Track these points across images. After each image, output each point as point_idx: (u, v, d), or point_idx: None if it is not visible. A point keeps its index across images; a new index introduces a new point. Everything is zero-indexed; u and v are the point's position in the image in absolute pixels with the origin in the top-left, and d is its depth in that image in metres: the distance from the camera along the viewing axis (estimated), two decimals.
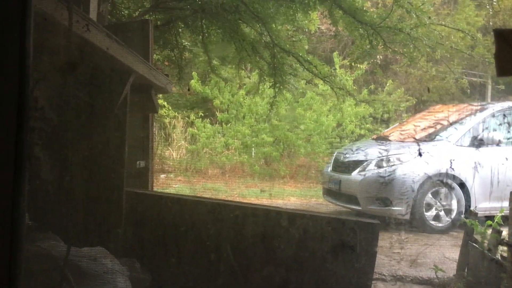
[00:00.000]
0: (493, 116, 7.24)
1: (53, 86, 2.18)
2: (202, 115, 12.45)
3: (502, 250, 4.08)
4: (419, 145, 7.25)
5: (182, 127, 12.56)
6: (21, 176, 0.99)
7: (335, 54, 11.53)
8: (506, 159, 6.36)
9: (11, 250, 1.23)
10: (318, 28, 9.14)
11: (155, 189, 8.82)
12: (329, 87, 8.01)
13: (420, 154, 6.60)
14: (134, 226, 3.00)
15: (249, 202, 7.35)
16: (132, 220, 2.98)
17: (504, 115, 7.17)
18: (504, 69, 0.67)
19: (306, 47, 7.02)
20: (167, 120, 12.35)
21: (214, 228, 2.99)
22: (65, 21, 1.77)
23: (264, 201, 9.02)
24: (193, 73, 11.17)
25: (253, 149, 11.65)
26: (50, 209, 2.43)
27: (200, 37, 6.63)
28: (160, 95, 10.62)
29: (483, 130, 7.08)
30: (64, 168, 2.50)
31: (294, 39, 6.98)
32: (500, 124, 7.12)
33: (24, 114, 0.97)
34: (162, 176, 11.23)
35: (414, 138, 7.62)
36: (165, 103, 11.88)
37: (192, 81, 11.27)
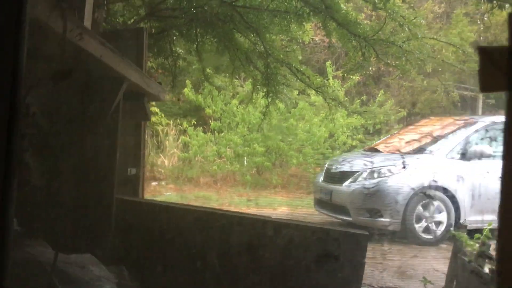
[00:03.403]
0: (483, 129, 7.31)
1: (46, 93, 2.17)
2: (195, 123, 12.46)
3: (491, 263, 4.10)
4: (403, 157, 7.29)
5: (175, 134, 12.56)
6: (10, 183, 0.98)
7: (328, 63, 11.60)
8: (495, 172, 6.40)
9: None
10: (312, 39, 9.20)
11: (146, 196, 8.79)
12: (321, 98, 8.05)
13: (404, 167, 6.67)
14: (124, 233, 2.98)
15: (237, 211, 7.33)
16: (122, 227, 2.96)
17: (494, 129, 7.24)
18: (487, 85, 0.70)
19: (300, 57, 7.07)
20: (159, 128, 12.33)
21: (201, 236, 2.97)
22: (60, 28, 1.78)
23: (254, 210, 9.01)
24: (187, 81, 11.19)
25: (245, 158, 11.66)
26: (40, 215, 2.41)
27: (195, 45, 6.64)
28: (153, 103, 10.63)
29: (473, 144, 7.14)
30: (55, 174, 2.49)
31: (288, 49, 7.02)
32: (490, 138, 7.19)
33: (16, 120, 0.97)
34: (154, 183, 11.20)
35: (399, 151, 7.67)
36: (158, 111, 11.87)
37: (186, 89, 11.28)
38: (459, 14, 11.48)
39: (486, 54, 0.70)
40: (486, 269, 4.08)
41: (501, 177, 0.72)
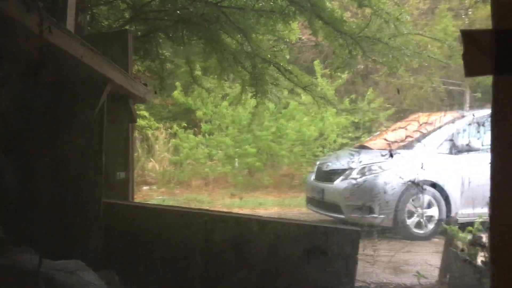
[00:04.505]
0: (471, 123, 7.36)
1: (27, 93, 2.13)
2: (185, 125, 12.41)
3: (483, 255, 4.13)
4: (390, 147, 7.31)
5: (165, 138, 12.50)
6: None
7: (316, 62, 11.62)
8: (484, 165, 6.43)
9: None
10: (299, 38, 9.21)
11: (136, 201, 8.72)
12: (311, 97, 8.04)
13: (391, 155, 6.67)
14: (113, 237, 2.94)
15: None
16: (111, 232, 2.92)
17: (481, 123, 7.29)
18: (472, 69, 0.69)
19: (288, 56, 7.06)
20: (149, 132, 12.27)
21: (193, 237, 2.95)
22: (35, 27, 1.74)
23: (247, 211, 8.99)
24: (177, 83, 11.14)
25: (236, 159, 11.64)
26: (25, 222, 2.36)
27: (182, 47, 6.61)
28: (142, 106, 10.56)
29: (461, 138, 7.18)
30: (39, 179, 2.45)
31: (275, 49, 7.01)
32: (478, 132, 7.24)
33: None
34: (145, 188, 11.13)
35: (389, 147, 7.69)
36: (147, 114, 11.80)
37: (175, 91, 11.24)
38: (443, 10, 11.56)
39: (470, 37, 0.69)
40: (479, 261, 4.11)
41: (490, 164, 0.71)
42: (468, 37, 0.67)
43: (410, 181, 6.38)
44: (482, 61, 0.67)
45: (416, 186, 6.04)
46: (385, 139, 8.08)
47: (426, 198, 6.92)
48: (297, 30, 6.75)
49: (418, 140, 7.57)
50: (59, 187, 2.69)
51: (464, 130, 7.27)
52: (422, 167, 5.85)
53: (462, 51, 0.68)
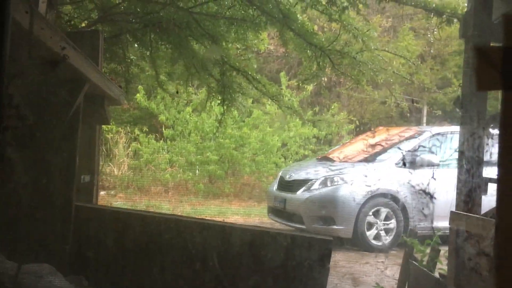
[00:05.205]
0: (430, 139, 7.62)
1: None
2: (147, 130, 12.21)
3: (440, 268, 4.26)
4: (355, 166, 7.46)
5: (125, 142, 12.24)
6: None
7: (282, 74, 11.73)
8: (441, 180, 6.65)
9: None
10: (267, 47, 9.30)
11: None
12: (276, 107, 8.11)
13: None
14: (82, 242, 2.84)
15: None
16: (81, 236, 2.82)
17: (440, 139, 7.57)
18: (483, 84, 0.73)
19: (255, 66, 7.10)
20: (109, 135, 11.98)
21: (165, 243, 2.89)
22: (25, 23, 1.66)
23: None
24: (139, 87, 10.95)
25: (197, 167, 11.53)
26: None
27: (148, 52, 6.52)
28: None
29: (420, 153, 7.41)
30: (10, 179, 2.33)
31: (243, 57, 7.04)
32: (436, 147, 7.50)
33: None
34: (102, 193, 10.81)
35: (351, 160, 7.85)
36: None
37: (138, 95, 11.04)
38: (405, 29, 12.00)
39: (484, 53, 0.72)
40: (436, 274, 4.24)
41: (497, 173, 0.74)
42: (481, 53, 0.71)
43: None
44: (493, 76, 0.70)
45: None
46: (349, 154, 8.23)
47: (385, 211, 7.08)
48: (266, 40, 6.81)
49: (379, 153, 7.76)
50: (31, 188, 2.57)
51: (423, 146, 7.52)
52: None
53: (475, 65, 0.72)
